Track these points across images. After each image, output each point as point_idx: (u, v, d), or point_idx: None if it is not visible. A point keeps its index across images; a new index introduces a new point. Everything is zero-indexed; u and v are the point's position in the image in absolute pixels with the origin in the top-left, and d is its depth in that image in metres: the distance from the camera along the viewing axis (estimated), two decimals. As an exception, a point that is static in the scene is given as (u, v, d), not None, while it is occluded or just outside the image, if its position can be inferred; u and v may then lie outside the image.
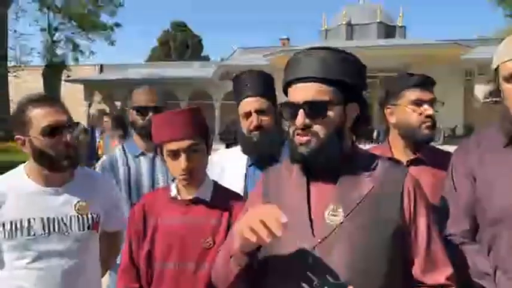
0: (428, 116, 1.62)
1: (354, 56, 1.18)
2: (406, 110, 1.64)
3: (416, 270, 1.12)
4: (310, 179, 1.18)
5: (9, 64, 21.44)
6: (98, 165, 2.18)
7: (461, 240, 1.33)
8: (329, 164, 1.14)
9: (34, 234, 1.48)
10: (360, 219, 1.09)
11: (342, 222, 1.09)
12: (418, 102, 1.63)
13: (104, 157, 2.22)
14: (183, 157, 1.41)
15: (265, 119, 1.76)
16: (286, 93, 1.21)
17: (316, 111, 1.12)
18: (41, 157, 1.49)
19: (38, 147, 1.47)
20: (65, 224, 1.53)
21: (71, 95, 26.90)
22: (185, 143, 1.41)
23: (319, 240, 1.08)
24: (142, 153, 2.14)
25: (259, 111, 1.76)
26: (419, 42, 20.66)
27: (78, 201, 1.57)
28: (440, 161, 1.66)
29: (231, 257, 1.14)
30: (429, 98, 1.64)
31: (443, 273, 1.11)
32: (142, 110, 2.11)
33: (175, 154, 1.42)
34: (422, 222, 1.12)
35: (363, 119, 1.21)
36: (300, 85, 1.14)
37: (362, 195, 1.11)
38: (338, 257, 1.06)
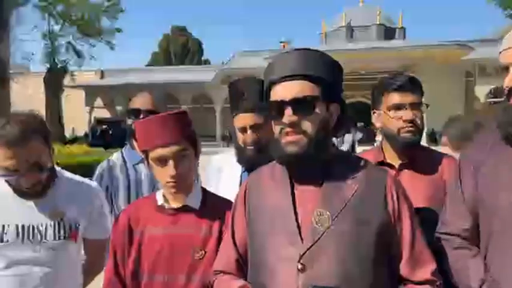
0: (407, 120, 1.57)
1: (330, 57, 1.20)
2: (386, 115, 1.61)
3: (402, 268, 1.14)
4: (294, 184, 1.18)
5: (10, 71, 21.48)
6: (97, 171, 2.13)
7: (458, 243, 1.31)
8: (316, 163, 1.14)
9: (7, 241, 1.45)
10: (347, 223, 1.09)
11: (329, 226, 1.09)
12: (398, 107, 1.59)
13: (103, 163, 2.17)
14: (170, 164, 1.33)
15: (261, 133, 1.71)
16: (268, 95, 1.20)
17: (304, 107, 1.12)
18: (6, 182, 1.48)
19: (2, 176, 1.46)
20: (39, 231, 1.49)
21: (72, 100, 26.96)
22: (172, 149, 1.33)
23: (307, 246, 1.08)
24: (142, 160, 2.03)
25: (254, 127, 1.72)
26: (419, 44, 20.67)
27: (56, 209, 1.52)
28: (435, 163, 1.62)
29: None
30: (409, 101, 1.57)
31: (428, 269, 1.13)
32: (136, 114, 2.02)
33: (161, 161, 1.35)
34: (406, 222, 1.15)
35: (343, 120, 1.21)
36: (284, 83, 1.14)
37: (347, 198, 1.12)
38: (327, 260, 1.07)
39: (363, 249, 1.08)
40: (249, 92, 1.74)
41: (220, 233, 1.39)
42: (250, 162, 1.74)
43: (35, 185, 1.45)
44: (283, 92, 1.14)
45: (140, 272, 1.39)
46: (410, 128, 1.58)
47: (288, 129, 1.12)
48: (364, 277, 1.07)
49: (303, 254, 1.08)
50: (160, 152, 1.34)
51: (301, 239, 1.10)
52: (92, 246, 1.69)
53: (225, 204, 1.47)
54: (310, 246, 1.08)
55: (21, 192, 1.49)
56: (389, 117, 1.60)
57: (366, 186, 1.14)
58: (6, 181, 1.47)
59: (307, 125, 1.12)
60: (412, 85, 1.60)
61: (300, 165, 1.15)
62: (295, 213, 1.13)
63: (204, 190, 1.51)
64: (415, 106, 1.59)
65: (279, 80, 1.15)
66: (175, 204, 1.42)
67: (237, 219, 1.29)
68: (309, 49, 1.19)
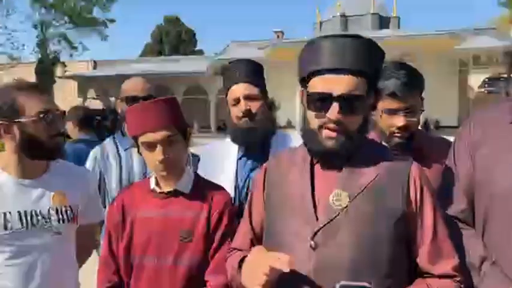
0: (399, 127, 1.52)
1: (380, 48, 1.14)
2: (380, 116, 1.57)
3: (422, 260, 1.10)
4: (315, 166, 1.17)
5: (0, 61, 21.23)
6: (90, 156, 2.17)
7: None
8: (347, 154, 1.12)
9: (11, 229, 1.43)
10: (364, 206, 1.08)
11: (346, 207, 1.07)
12: (390, 112, 1.52)
13: (96, 148, 2.21)
14: (159, 149, 1.36)
15: (254, 105, 1.71)
16: (305, 81, 1.15)
17: (351, 105, 1.07)
18: (29, 143, 1.44)
19: (29, 132, 1.43)
20: (43, 217, 1.47)
21: (64, 91, 26.72)
22: (160, 135, 1.36)
23: (322, 224, 1.07)
24: (133, 145, 2.08)
25: (248, 98, 1.70)
26: (414, 33, 20.64)
27: (56, 193, 1.52)
28: (438, 150, 1.58)
29: None
30: (403, 107, 1.51)
31: (449, 263, 1.09)
32: (131, 100, 2.03)
33: (150, 146, 1.37)
34: (428, 212, 1.11)
35: (374, 108, 1.20)
36: (333, 76, 1.07)
37: (367, 182, 1.10)
38: (342, 241, 1.05)
39: (378, 234, 1.06)
40: (242, 67, 1.75)
41: (209, 217, 1.41)
42: (244, 136, 1.73)
43: (57, 135, 1.49)
44: (331, 85, 1.07)
45: (132, 253, 1.43)
46: (402, 133, 1.53)
47: (332, 126, 1.08)
48: (377, 262, 1.05)
49: (316, 232, 1.07)
50: (148, 137, 1.36)
51: (316, 217, 1.09)
52: (84, 230, 1.68)
53: (216, 189, 1.50)
54: (324, 225, 1.07)
55: (40, 153, 1.48)
56: (382, 119, 1.56)
57: (387, 173, 1.11)
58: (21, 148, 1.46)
59: (351, 124, 1.09)
60: (408, 87, 1.50)
61: (334, 155, 1.12)
62: (313, 193, 1.13)
63: (196, 175, 1.52)
64: (410, 110, 1.52)
65: (327, 71, 1.08)
66: (166, 189, 1.45)
67: (255, 200, 1.29)
68: (359, 36, 1.11)
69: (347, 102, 1.06)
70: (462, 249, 1.20)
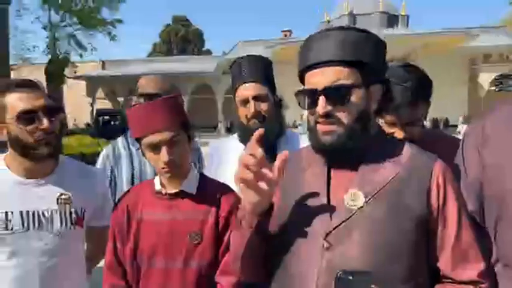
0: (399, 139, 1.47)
1: (372, 34, 1.11)
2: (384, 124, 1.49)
3: (444, 264, 1.04)
4: (331, 164, 1.13)
5: (11, 62, 21.44)
6: (101, 154, 2.16)
7: None
8: (354, 151, 1.09)
9: (12, 229, 1.38)
10: (381, 206, 1.03)
11: (362, 207, 1.03)
12: (391, 124, 1.48)
13: (108, 146, 2.20)
14: (164, 150, 1.33)
15: (264, 106, 1.68)
16: (302, 82, 1.14)
17: (337, 96, 1.05)
18: (17, 144, 1.40)
19: (13, 133, 1.38)
20: (45, 218, 1.44)
21: (74, 91, 26.95)
22: (165, 135, 1.33)
23: (336, 224, 1.03)
24: None
25: (257, 98, 1.67)
26: (423, 31, 20.47)
27: (61, 195, 1.48)
28: (446, 150, 1.47)
29: (241, 223, 1.10)
30: (403, 122, 1.45)
31: (475, 268, 1.03)
32: (144, 97, 2.00)
33: (155, 148, 1.34)
34: (452, 213, 1.05)
35: (388, 99, 1.15)
36: (317, 70, 1.07)
37: (385, 181, 1.05)
38: (355, 241, 1.01)
39: (396, 235, 1.01)
40: (251, 65, 1.71)
41: (217, 218, 1.39)
42: None
43: (50, 133, 1.40)
44: (315, 80, 1.07)
45: (139, 256, 1.40)
46: None
47: (322, 120, 1.07)
48: (394, 265, 0.99)
49: (330, 232, 1.03)
50: (152, 138, 1.33)
51: (331, 217, 1.05)
52: (95, 233, 1.64)
53: (223, 189, 1.47)
54: (339, 225, 1.03)
55: (30, 153, 1.41)
56: (385, 127, 1.49)
57: (408, 171, 1.07)
58: (15, 144, 1.40)
59: (341, 115, 1.06)
60: (411, 103, 1.42)
61: (335, 153, 1.10)
62: (328, 192, 1.09)
63: (201, 175, 1.50)
64: (412, 124, 1.46)
65: (311, 67, 1.09)
66: (171, 190, 1.42)
67: None
68: (349, 27, 1.10)
69: (332, 93, 1.05)
70: (489, 253, 1.14)
